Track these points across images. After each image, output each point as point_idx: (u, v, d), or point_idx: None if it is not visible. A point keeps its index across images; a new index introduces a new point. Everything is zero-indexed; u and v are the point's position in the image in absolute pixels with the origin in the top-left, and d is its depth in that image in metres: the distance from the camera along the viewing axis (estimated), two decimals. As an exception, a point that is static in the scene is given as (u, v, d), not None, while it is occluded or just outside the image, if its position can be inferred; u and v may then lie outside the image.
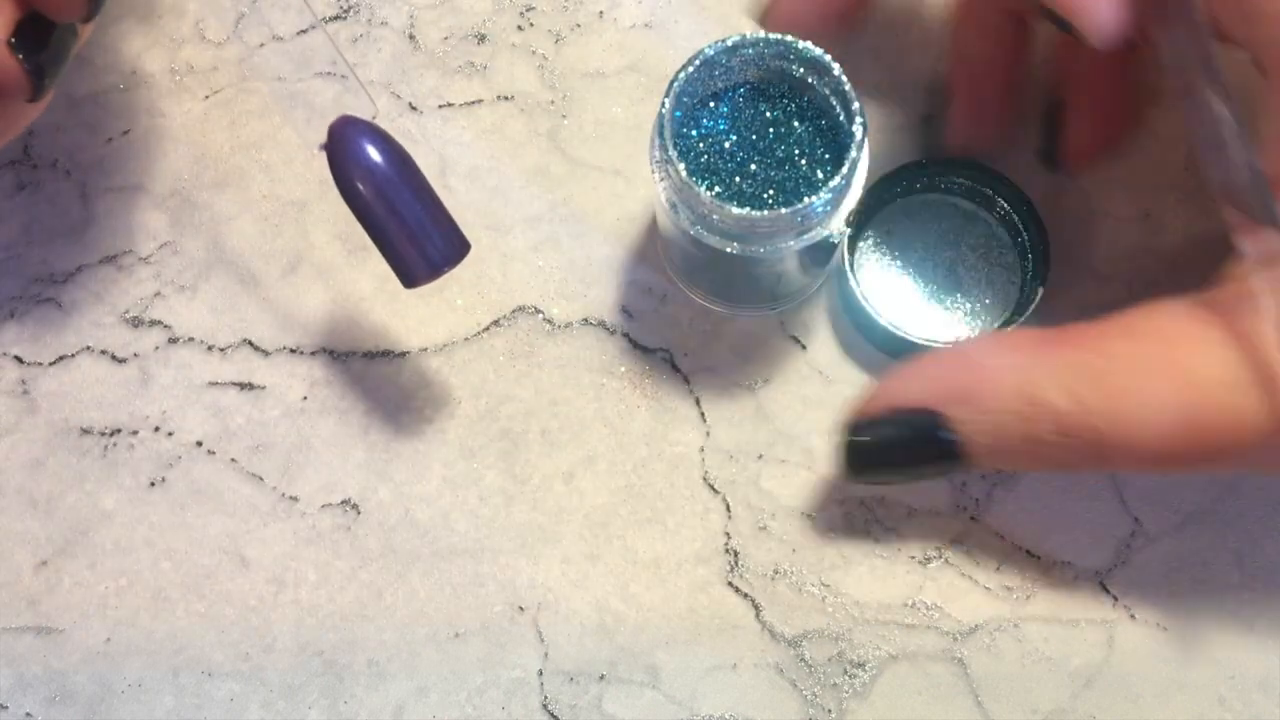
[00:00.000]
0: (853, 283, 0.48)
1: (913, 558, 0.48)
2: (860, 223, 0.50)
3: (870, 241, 0.50)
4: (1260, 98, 0.37)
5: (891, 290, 0.50)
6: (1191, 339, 0.37)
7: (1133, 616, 0.47)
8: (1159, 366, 0.37)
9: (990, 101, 0.48)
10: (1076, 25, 0.36)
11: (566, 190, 0.52)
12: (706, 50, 0.41)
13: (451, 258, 0.42)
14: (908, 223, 0.50)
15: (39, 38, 0.40)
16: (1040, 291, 0.48)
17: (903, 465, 0.43)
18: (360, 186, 0.41)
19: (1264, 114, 0.36)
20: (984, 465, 0.42)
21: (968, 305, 0.50)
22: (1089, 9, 0.36)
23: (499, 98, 0.53)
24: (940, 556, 0.48)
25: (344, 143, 0.41)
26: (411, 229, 0.41)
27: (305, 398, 0.50)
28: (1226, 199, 0.36)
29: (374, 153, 0.41)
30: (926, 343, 0.47)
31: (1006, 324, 0.48)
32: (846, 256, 0.48)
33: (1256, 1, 0.35)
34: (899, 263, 0.50)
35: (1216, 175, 0.37)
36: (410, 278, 0.42)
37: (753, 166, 0.43)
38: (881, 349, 0.50)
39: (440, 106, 0.53)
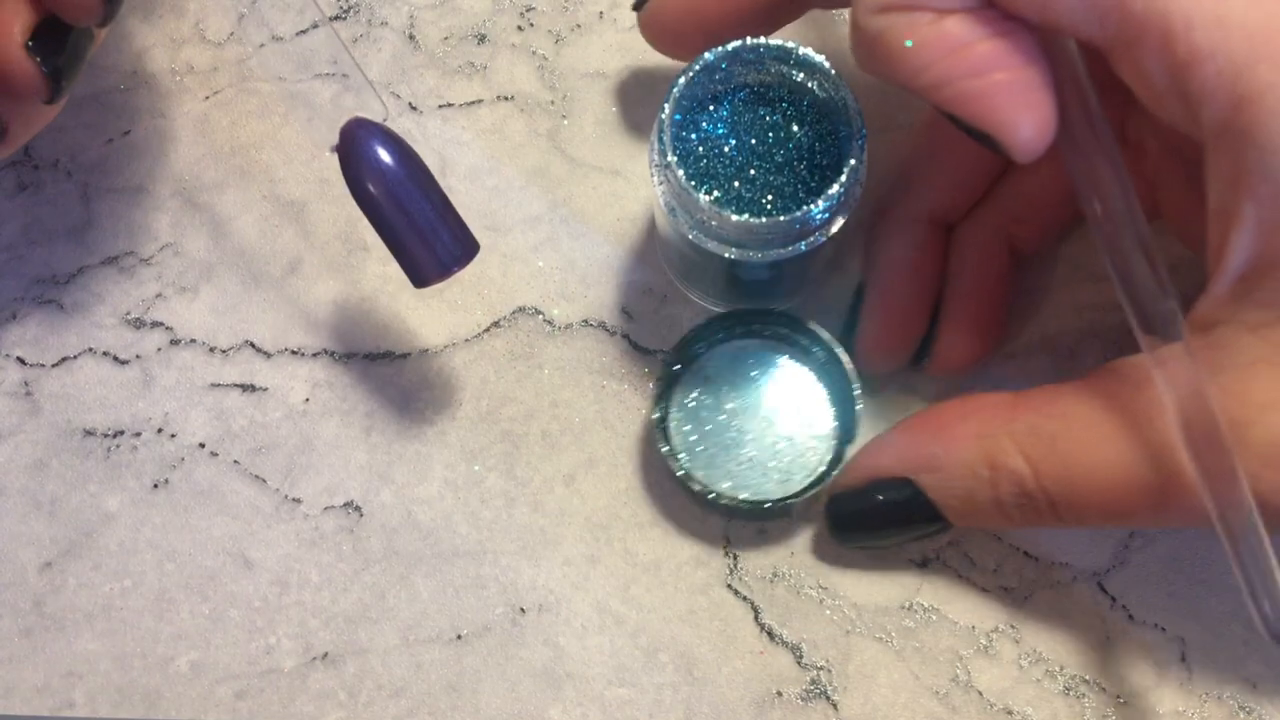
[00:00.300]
0: (663, 444, 0.47)
1: (910, 560, 0.48)
2: (667, 385, 0.48)
3: (681, 398, 0.48)
4: (1206, 176, 0.36)
5: (705, 445, 0.48)
6: (1137, 402, 0.39)
7: (1130, 618, 0.47)
8: (1106, 426, 0.39)
9: (907, 317, 0.48)
10: (999, 140, 0.36)
11: (566, 191, 0.52)
12: (706, 55, 0.42)
13: (461, 257, 0.43)
14: (721, 375, 0.49)
15: (56, 41, 0.40)
16: (847, 450, 0.46)
17: (887, 530, 0.46)
18: (371, 188, 0.41)
19: (1209, 189, 0.36)
20: (964, 525, 0.44)
21: (783, 457, 0.48)
22: (1010, 125, 0.35)
23: (499, 98, 0.53)
24: (938, 558, 0.48)
25: (355, 145, 0.41)
26: (422, 230, 0.42)
27: (307, 399, 0.50)
28: (1126, 298, 0.38)
29: (385, 155, 0.41)
30: (741, 504, 0.46)
31: (821, 480, 0.47)
32: (656, 408, 0.47)
33: (1197, 84, 0.34)
34: (712, 416, 0.48)
35: (1120, 280, 0.38)
36: (421, 278, 0.43)
37: (752, 171, 0.43)
38: (698, 504, 0.49)
39: (440, 106, 0.53)
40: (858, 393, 0.46)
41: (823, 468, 0.47)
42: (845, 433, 0.47)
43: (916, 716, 0.47)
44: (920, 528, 0.45)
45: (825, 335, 0.47)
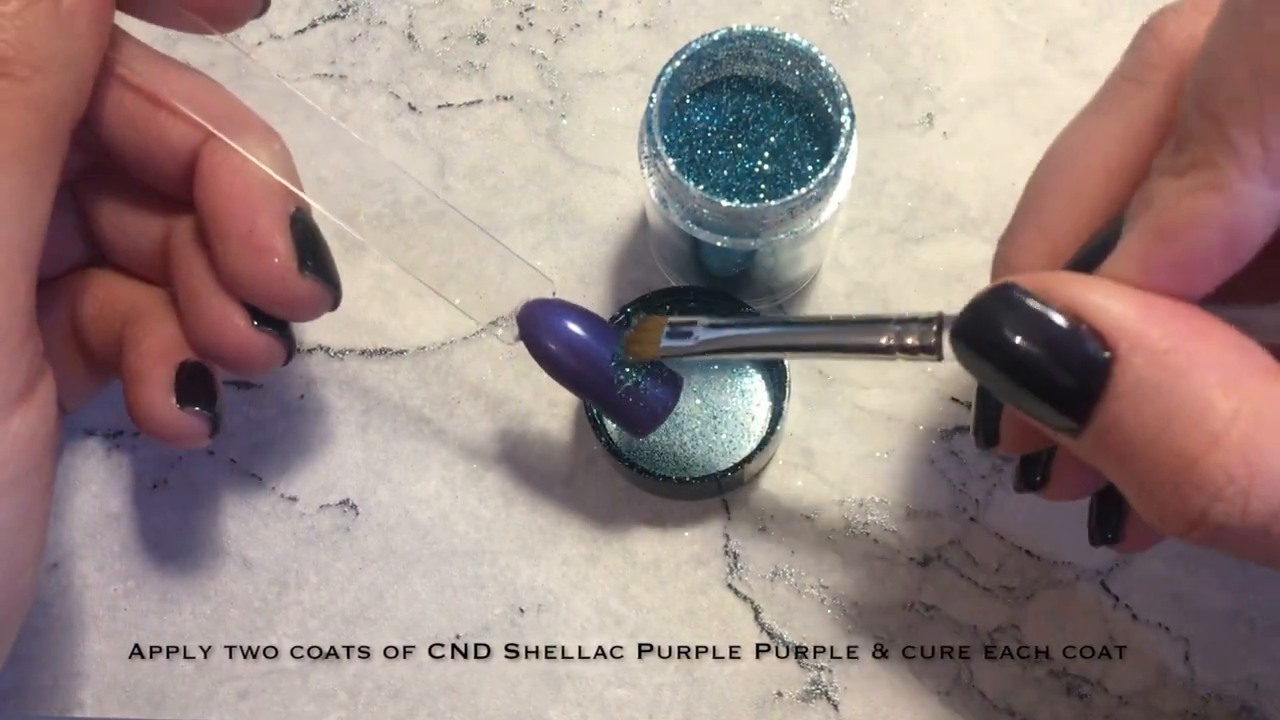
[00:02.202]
0: (600, 438, 0.46)
1: (912, 559, 0.48)
2: None
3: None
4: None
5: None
6: None
7: (1134, 617, 0.47)
8: None
9: None
10: None
11: (565, 190, 0.52)
12: (694, 44, 0.41)
13: (669, 399, 0.42)
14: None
15: (205, 387, 0.40)
16: (785, 406, 0.46)
17: (1007, 378, 0.30)
18: (566, 361, 0.41)
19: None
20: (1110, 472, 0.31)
21: (725, 429, 0.48)
22: None
23: (498, 98, 0.53)
24: (940, 557, 0.48)
25: (537, 326, 0.41)
26: (625, 385, 0.42)
27: (302, 396, 0.50)
28: None
29: (571, 326, 0.41)
30: (693, 481, 0.45)
31: (766, 439, 0.46)
32: (586, 407, 0.46)
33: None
34: None
35: None
36: (640, 428, 0.43)
37: (742, 160, 0.43)
38: (640, 486, 0.49)
39: (439, 107, 0.53)
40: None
41: (765, 429, 0.47)
42: (779, 389, 0.46)
43: (918, 717, 0.47)
44: (1044, 406, 0.30)
45: (738, 300, 0.47)
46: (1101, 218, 0.32)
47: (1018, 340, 0.30)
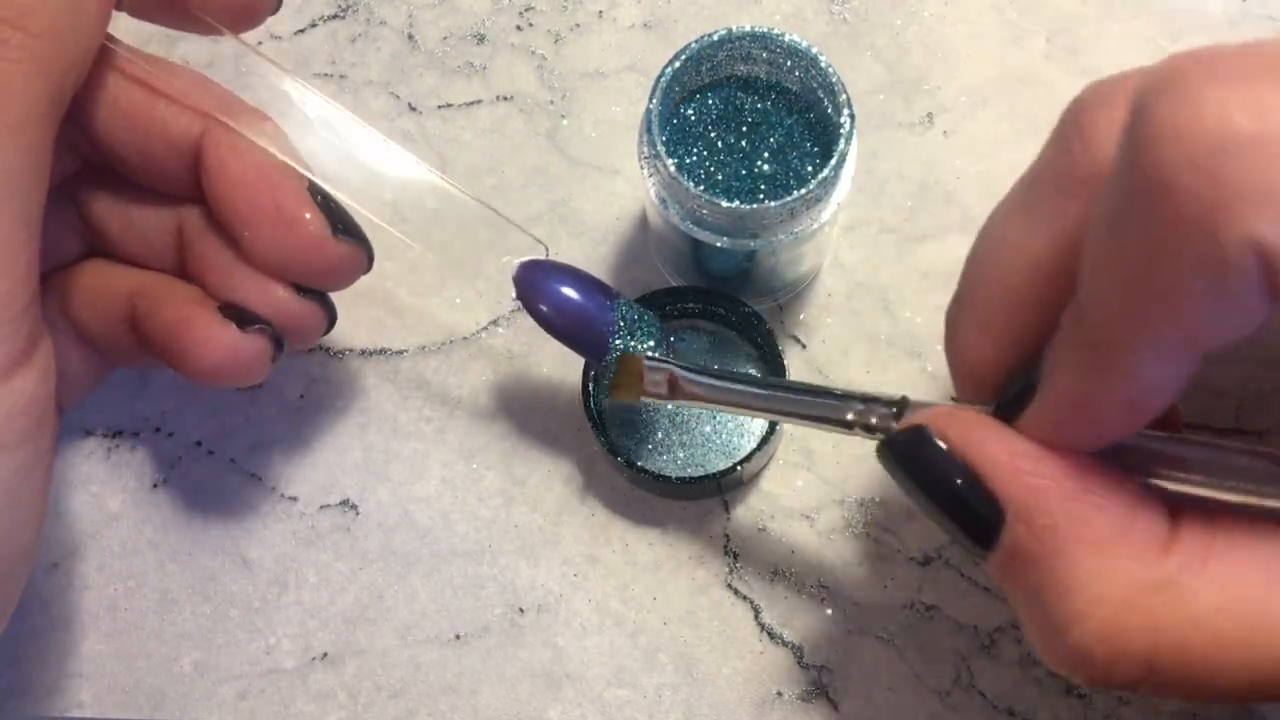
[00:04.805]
0: (600, 439, 0.46)
1: (912, 559, 0.48)
2: (589, 382, 0.47)
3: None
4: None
5: (643, 431, 0.48)
6: None
7: (1134, 617, 0.47)
8: None
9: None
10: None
11: (565, 190, 0.52)
12: (693, 45, 0.41)
13: (669, 354, 0.43)
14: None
15: (254, 314, 0.41)
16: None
17: (921, 500, 0.34)
18: (562, 323, 0.42)
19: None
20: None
21: (725, 429, 0.48)
22: None
23: (498, 98, 0.53)
24: (940, 557, 0.48)
25: (534, 288, 0.42)
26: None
27: (302, 396, 0.50)
28: None
29: (565, 290, 0.42)
30: (684, 480, 0.45)
31: (766, 440, 0.45)
32: (591, 397, 0.46)
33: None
34: (644, 403, 0.46)
35: None
36: None
37: (742, 160, 0.43)
38: (640, 486, 0.49)
39: (440, 107, 0.53)
40: (783, 349, 0.46)
41: (765, 428, 0.46)
42: None
43: (918, 717, 0.47)
44: (953, 529, 0.33)
45: (739, 299, 0.46)
46: (1038, 316, 0.33)
47: (925, 479, 0.33)
